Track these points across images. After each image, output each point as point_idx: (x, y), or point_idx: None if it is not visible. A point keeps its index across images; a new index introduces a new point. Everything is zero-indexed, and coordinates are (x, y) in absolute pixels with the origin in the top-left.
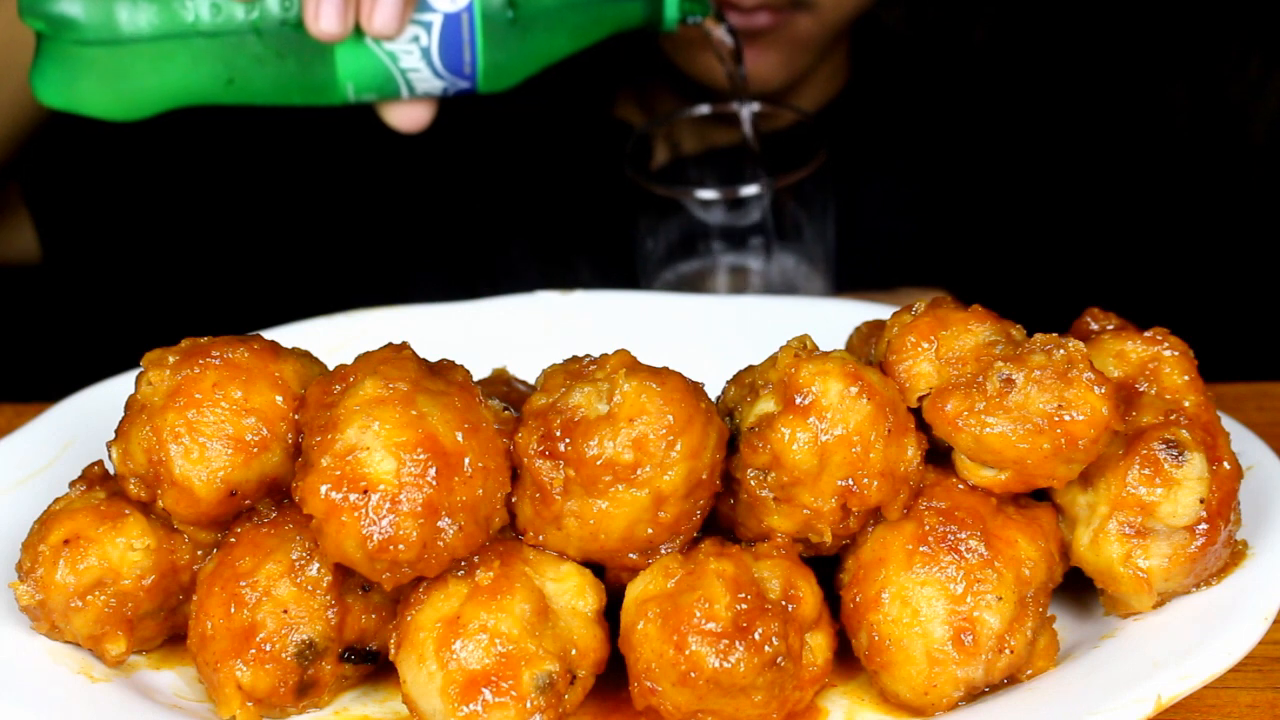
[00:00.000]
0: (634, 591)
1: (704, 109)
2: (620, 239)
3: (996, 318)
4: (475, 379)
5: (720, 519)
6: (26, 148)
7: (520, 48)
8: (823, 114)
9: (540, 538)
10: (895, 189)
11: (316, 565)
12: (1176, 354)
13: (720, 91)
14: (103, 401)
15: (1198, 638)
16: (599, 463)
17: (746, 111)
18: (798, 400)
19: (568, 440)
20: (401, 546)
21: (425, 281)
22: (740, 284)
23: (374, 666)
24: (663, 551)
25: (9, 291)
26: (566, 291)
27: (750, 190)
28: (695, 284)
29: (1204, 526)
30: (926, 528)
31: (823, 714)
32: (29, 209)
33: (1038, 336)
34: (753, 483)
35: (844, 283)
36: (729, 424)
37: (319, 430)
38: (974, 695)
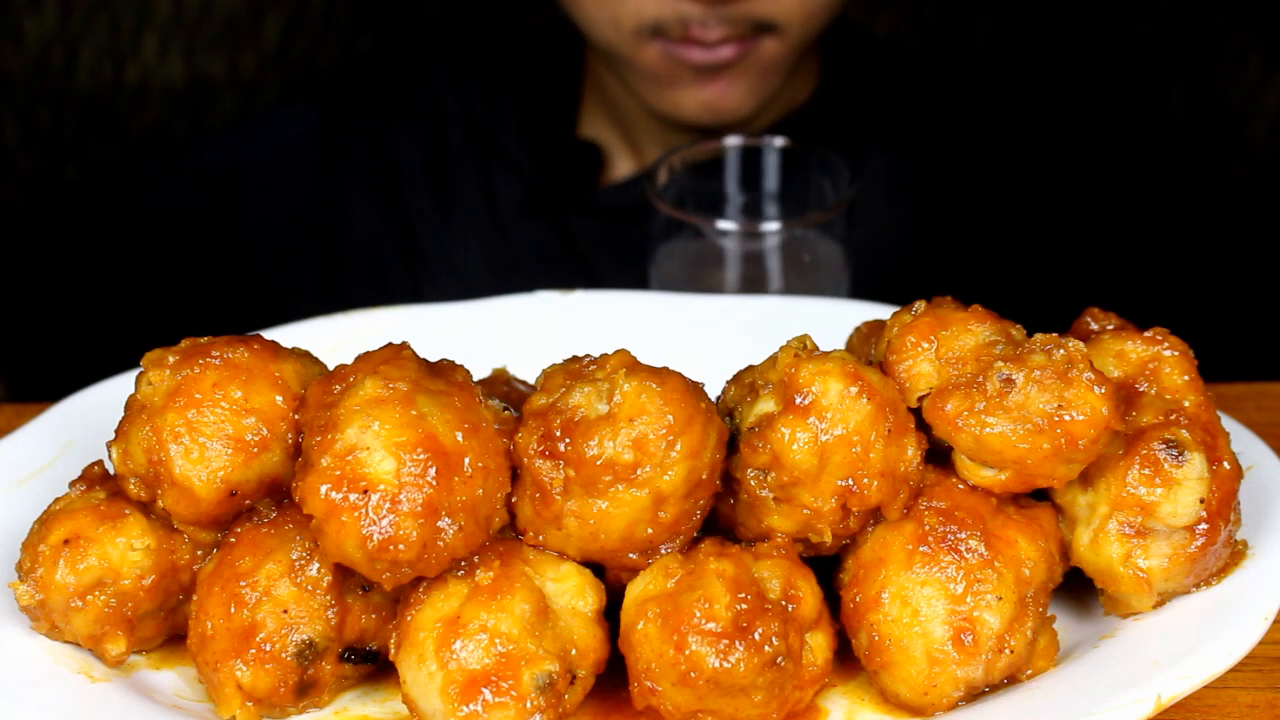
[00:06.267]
0: (634, 591)
1: (736, 140)
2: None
3: (996, 318)
4: (475, 379)
5: (720, 519)
6: None
7: None
8: (810, 109)
9: (540, 538)
10: (894, 189)
11: (316, 565)
12: (1176, 354)
13: (691, 125)
14: (103, 401)
15: (1198, 638)
16: (599, 463)
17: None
18: (798, 400)
19: (568, 440)
20: (401, 546)
21: (426, 282)
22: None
23: (374, 666)
24: (663, 551)
25: (10, 291)
26: (566, 291)
27: (771, 226)
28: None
29: (1204, 526)
30: (926, 528)
31: (823, 714)
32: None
33: (1038, 336)
34: (753, 483)
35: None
36: (729, 424)
37: (319, 430)
38: (974, 695)
